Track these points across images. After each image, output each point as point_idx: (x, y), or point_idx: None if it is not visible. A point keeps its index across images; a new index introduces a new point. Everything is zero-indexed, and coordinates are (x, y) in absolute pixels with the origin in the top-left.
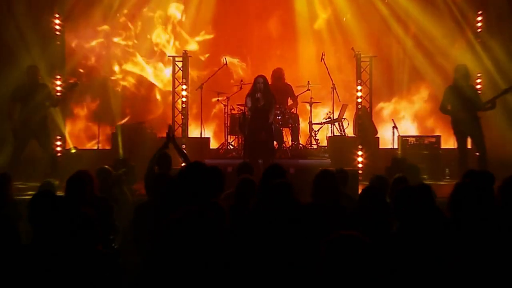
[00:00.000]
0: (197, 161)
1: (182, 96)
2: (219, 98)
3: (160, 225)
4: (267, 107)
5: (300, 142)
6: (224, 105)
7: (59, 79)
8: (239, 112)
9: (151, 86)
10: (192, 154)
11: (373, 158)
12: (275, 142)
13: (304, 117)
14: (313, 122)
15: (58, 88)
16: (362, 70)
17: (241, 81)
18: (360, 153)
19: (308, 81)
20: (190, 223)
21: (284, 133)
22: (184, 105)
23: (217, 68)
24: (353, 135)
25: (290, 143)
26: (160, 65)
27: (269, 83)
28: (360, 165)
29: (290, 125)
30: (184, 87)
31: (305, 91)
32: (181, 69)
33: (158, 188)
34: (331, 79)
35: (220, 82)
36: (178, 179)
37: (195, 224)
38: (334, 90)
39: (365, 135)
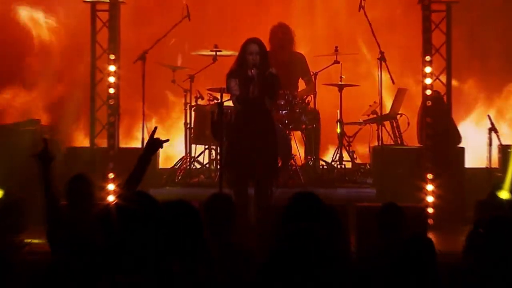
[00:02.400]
0: (141, 192)
1: (109, 74)
2: (174, 80)
3: None
4: (266, 93)
5: (322, 157)
6: (185, 91)
7: None
8: (211, 102)
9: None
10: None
11: (454, 186)
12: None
13: (328, 112)
14: (344, 122)
15: None
16: (433, 27)
17: (215, 47)
18: (430, 176)
19: (336, 47)
20: None
21: (292, 140)
22: (112, 90)
23: (175, 23)
24: (418, 145)
25: (304, 159)
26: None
27: (269, 49)
28: (430, 199)
29: (303, 127)
30: (113, 57)
31: (329, 66)
32: (106, 24)
33: (72, 240)
34: (378, 44)
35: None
36: (104, 225)
37: None
38: (383, 64)
39: (440, 144)
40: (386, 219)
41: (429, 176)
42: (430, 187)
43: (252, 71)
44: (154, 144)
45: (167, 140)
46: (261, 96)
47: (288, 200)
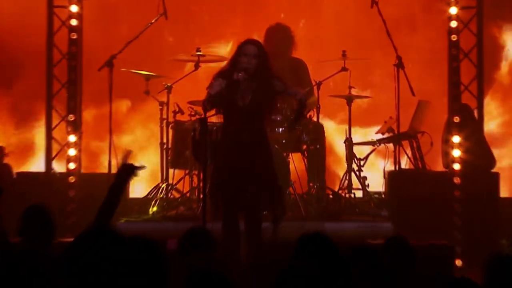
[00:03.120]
0: (106, 229)
1: (69, 84)
2: (148, 91)
3: None
4: (261, 106)
5: (327, 184)
6: (161, 104)
7: None
8: (193, 118)
9: None
10: (90, 211)
11: (486, 219)
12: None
13: (334, 130)
14: (354, 141)
15: None
16: (461, 27)
17: (198, 51)
18: (458, 208)
19: (344, 51)
20: None
21: (291, 164)
22: (73, 104)
23: (149, 22)
24: (443, 169)
25: (306, 186)
26: None
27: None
28: (458, 235)
29: (304, 147)
30: (73, 63)
31: (336, 73)
32: (66, 24)
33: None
34: (395, 48)
35: (151, 53)
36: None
37: None
38: (401, 71)
39: (470, 169)
40: (391, 257)
41: (457, 207)
42: (457, 221)
43: (240, 74)
44: (127, 172)
45: (143, 167)
46: (254, 109)
47: (295, 244)
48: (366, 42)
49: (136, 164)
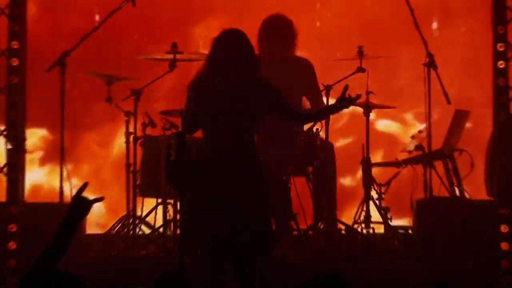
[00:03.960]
0: (57, 272)
1: (9, 89)
2: (110, 98)
3: None
4: (246, 111)
5: (339, 216)
6: (127, 115)
7: None
8: (167, 132)
9: None
10: (35, 249)
11: None
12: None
13: (348, 147)
14: (373, 161)
15: None
16: (509, 16)
17: (174, 47)
18: (505, 246)
19: (360, 48)
20: None
21: (293, 191)
22: (13, 115)
23: (112, 11)
24: (487, 198)
25: (311, 218)
26: None
27: (257, 52)
28: (508, 280)
29: (310, 170)
30: (16, 63)
31: (350, 75)
32: (6, 12)
33: None
34: (425, 43)
35: (113, 50)
36: None
37: None
38: (433, 72)
39: None
40: None
41: (504, 245)
42: (505, 264)
43: (220, 79)
44: (82, 206)
45: (101, 198)
46: (239, 121)
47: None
48: (389, 36)
49: (92, 197)
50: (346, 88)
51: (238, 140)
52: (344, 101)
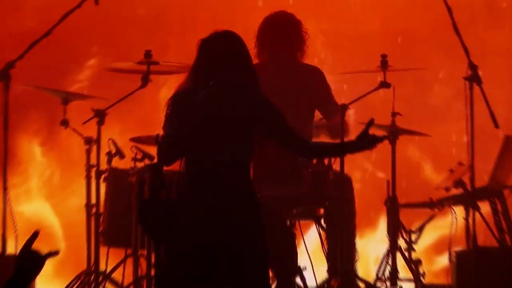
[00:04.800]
0: None
1: None
2: (66, 121)
3: None
4: (239, 134)
5: (358, 271)
6: (88, 142)
7: None
8: (138, 164)
9: None
10: None
11: None
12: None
13: (370, 183)
14: (401, 202)
15: None
16: None
17: (147, 56)
18: None
19: (384, 56)
20: None
21: (299, 237)
22: None
23: (70, 9)
24: None
25: (323, 273)
26: None
27: (255, 59)
28: None
29: (321, 212)
30: None
31: (372, 92)
32: None
33: None
34: (466, 51)
35: (71, 60)
36: None
37: None
38: (476, 88)
39: None
40: None
41: None
42: None
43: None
44: (32, 262)
45: (56, 252)
46: (230, 148)
47: None
48: (420, 42)
49: (45, 251)
50: (371, 123)
51: (229, 173)
52: (366, 140)
